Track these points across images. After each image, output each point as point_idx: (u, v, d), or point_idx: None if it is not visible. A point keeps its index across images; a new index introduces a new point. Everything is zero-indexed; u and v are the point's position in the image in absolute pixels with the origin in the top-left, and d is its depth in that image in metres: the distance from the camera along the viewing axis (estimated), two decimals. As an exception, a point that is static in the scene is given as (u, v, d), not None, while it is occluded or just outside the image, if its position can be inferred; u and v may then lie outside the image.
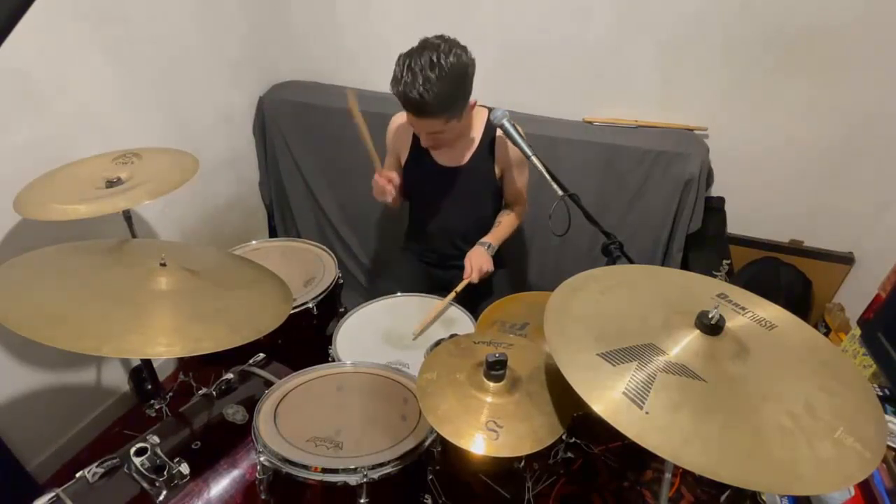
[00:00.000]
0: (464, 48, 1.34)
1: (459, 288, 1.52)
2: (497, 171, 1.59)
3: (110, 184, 1.36)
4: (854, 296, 1.91)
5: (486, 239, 1.61)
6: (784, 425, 0.75)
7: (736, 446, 0.72)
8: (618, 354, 0.84)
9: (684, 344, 0.84)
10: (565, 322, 0.92)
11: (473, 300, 1.59)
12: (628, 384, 0.79)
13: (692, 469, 0.70)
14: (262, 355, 1.37)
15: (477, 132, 1.56)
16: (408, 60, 1.30)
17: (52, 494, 0.98)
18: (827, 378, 0.83)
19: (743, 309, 0.95)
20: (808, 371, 0.85)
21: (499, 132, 1.40)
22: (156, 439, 1.05)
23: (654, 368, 0.81)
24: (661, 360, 0.83)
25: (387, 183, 1.49)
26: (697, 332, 0.85)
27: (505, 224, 1.66)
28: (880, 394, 1.41)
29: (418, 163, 1.61)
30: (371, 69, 2.22)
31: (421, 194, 1.69)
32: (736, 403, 0.78)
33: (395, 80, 1.31)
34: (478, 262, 1.53)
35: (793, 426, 0.74)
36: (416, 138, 1.59)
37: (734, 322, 0.90)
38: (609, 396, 0.78)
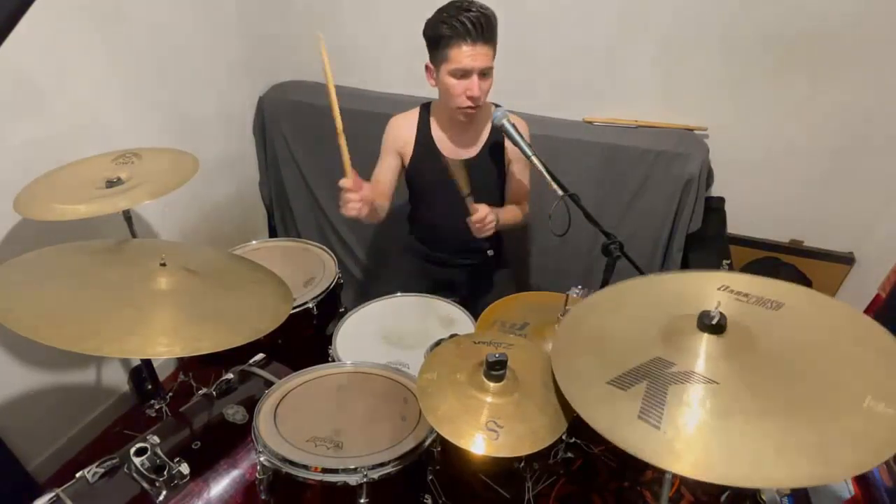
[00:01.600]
0: None
1: (470, 204, 1.37)
2: (507, 163, 1.59)
3: (110, 184, 1.36)
4: (854, 296, 1.91)
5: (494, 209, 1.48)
6: (809, 408, 0.71)
7: (769, 446, 0.68)
8: (627, 378, 0.80)
9: (694, 350, 0.82)
10: (572, 360, 0.89)
11: (474, 300, 1.59)
12: (643, 405, 0.75)
13: (736, 484, 0.66)
14: (262, 355, 1.37)
15: (485, 125, 1.55)
16: (450, 2, 1.33)
17: (52, 494, 0.98)
18: (846, 344, 0.80)
19: (746, 296, 0.91)
20: (825, 342, 0.82)
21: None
22: (156, 439, 1.05)
23: (665, 382, 0.77)
24: (672, 371, 0.79)
25: (356, 198, 1.35)
26: (704, 334, 0.83)
27: (509, 208, 1.61)
28: None
29: (425, 157, 1.58)
30: (371, 69, 2.22)
31: (427, 189, 1.66)
32: (760, 399, 0.74)
33: (452, 14, 1.30)
34: (485, 209, 1.39)
35: (819, 407, 0.71)
36: (420, 132, 1.57)
37: (738, 312, 0.87)
38: (630, 426, 0.74)
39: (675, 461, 0.69)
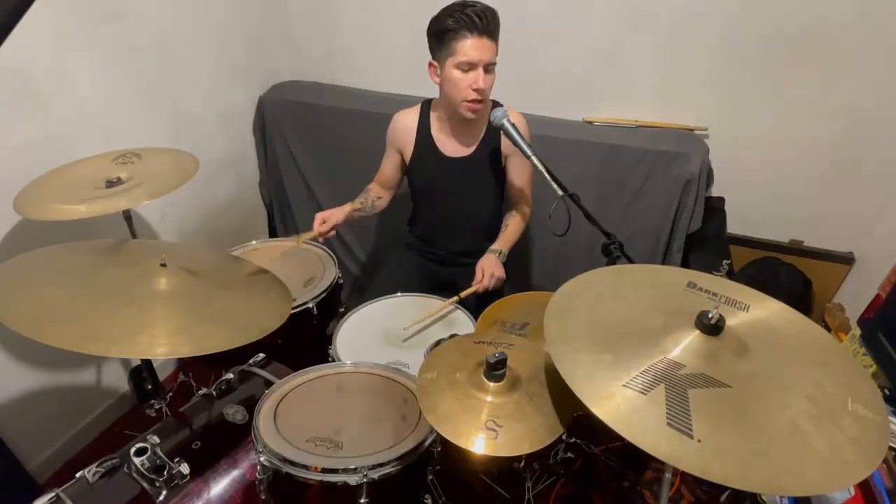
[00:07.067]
0: None
1: (465, 294, 1.49)
2: (503, 160, 1.60)
3: (110, 184, 1.36)
4: (854, 296, 1.91)
5: (495, 246, 1.58)
6: (812, 412, 0.71)
7: (784, 453, 0.68)
8: (641, 380, 0.77)
9: (693, 349, 0.81)
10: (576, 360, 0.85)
11: (477, 301, 1.59)
12: (668, 412, 0.72)
13: (763, 491, 0.67)
14: (262, 355, 1.37)
15: (483, 124, 1.55)
16: (454, 2, 1.37)
17: (52, 494, 0.98)
18: (813, 351, 0.81)
19: (714, 295, 0.92)
20: (794, 347, 0.82)
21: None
22: (156, 439, 1.05)
23: (683, 386, 0.75)
24: (683, 373, 0.77)
25: (321, 223, 1.60)
26: (698, 332, 0.82)
27: (512, 228, 1.64)
28: (880, 394, 1.41)
29: (425, 156, 1.60)
30: (371, 69, 2.22)
31: (428, 187, 1.68)
32: (762, 403, 0.73)
33: (457, 9, 1.34)
34: (490, 268, 1.49)
35: (818, 412, 0.71)
36: (421, 132, 1.59)
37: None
38: (661, 434, 0.71)
39: (715, 468, 0.67)
